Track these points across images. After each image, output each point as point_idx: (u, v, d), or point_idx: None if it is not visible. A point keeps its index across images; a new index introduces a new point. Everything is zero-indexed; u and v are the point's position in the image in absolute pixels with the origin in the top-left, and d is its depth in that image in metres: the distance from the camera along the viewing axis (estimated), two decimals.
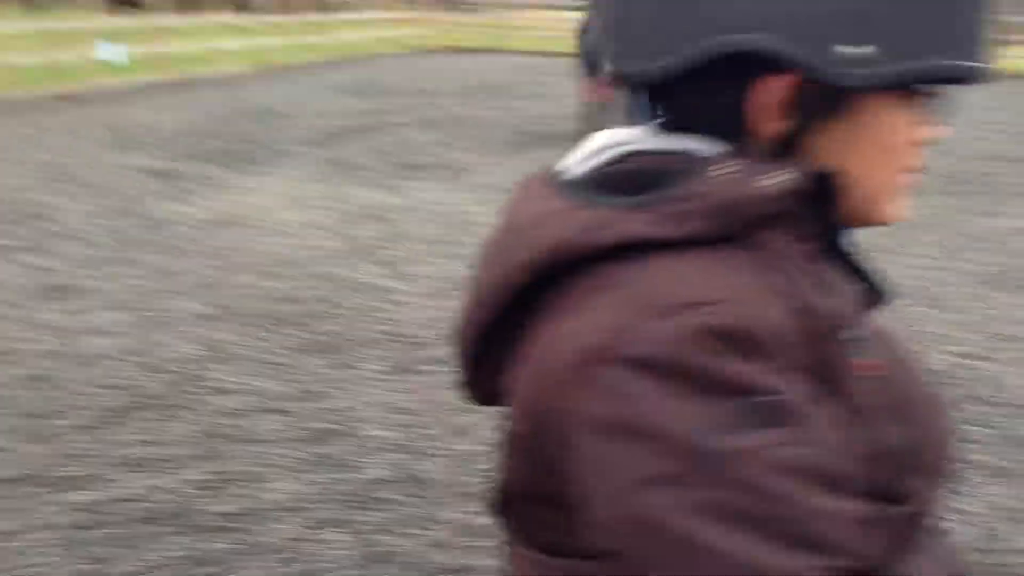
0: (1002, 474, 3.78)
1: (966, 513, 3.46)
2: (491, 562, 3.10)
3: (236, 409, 4.17)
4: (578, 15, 12.42)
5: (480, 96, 15.90)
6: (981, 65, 0.82)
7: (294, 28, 22.91)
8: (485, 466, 3.71)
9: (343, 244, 6.83)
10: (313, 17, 24.80)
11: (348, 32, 24.86)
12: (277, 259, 6.41)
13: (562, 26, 29.84)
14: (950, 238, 7.41)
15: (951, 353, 5.00)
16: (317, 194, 8.35)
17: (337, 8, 25.47)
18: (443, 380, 4.50)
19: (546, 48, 27.23)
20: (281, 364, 4.67)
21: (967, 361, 4.90)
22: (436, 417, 4.13)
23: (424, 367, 4.67)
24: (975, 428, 4.15)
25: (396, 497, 3.50)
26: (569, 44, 13.22)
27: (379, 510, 3.41)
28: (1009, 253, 7.03)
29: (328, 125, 12.08)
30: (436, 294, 5.77)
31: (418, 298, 5.70)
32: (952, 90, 0.86)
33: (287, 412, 4.15)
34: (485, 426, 4.04)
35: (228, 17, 22.20)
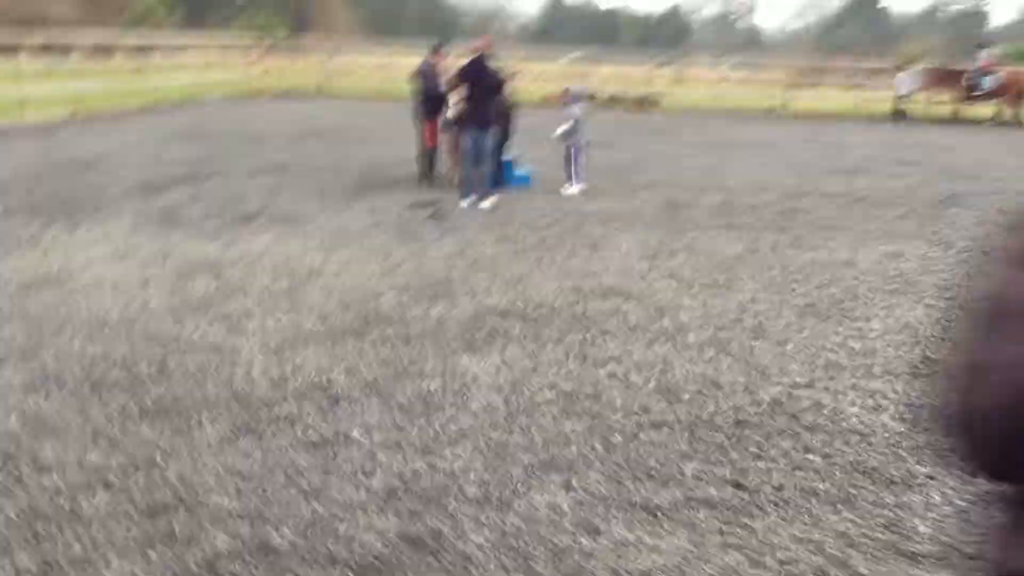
0: (845, 501, 3.94)
1: (812, 542, 3.59)
2: None
3: (60, 486, 3.86)
4: (417, 59, 12.48)
5: (312, 141, 15.67)
6: None
7: (109, 73, 21.94)
8: (342, 528, 3.57)
9: (173, 301, 6.51)
10: (134, 61, 23.83)
11: (172, 77, 24.03)
12: (102, 320, 6.04)
13: (393, 70, 29.92)
14: (772, 272, 7.78)
15: (783, 384, 5.22)
16: (144, 248, 7.95)
17: (154, 52, 24.58)
18: (288, 440, 4.33)
19: (376, 91, 27.21)
20: (109, 434, 4.37)
21: (798, 391, 5.12)
22: (282, 481, 3.95)
23: (267, 428, 4.47)
24: (814, 457, 4.32)
25: (244, 570, 3.31)
26: (401, 87, 13.20)
27: None
28: (825, 283, 7.44)
29: (151, 175, 11.59)
30: (277, 349, 5.57)
31: (258, 355, 5.48)
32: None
33: (117, 486, 3.88)
34: (335, 487, 3.90)
35: (41, 62, 21.06)
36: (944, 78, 23.92)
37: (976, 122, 23.30)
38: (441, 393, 4.99)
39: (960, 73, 23.62)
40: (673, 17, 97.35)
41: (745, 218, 10.10)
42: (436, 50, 12.14)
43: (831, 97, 28.03)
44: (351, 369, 5.31)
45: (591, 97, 24.31)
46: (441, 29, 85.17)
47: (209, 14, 63.74)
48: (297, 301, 6.57)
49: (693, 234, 9.20)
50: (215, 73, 26.48)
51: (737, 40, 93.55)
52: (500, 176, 11.31)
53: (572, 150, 11.56)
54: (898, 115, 23.52)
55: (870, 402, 4.98)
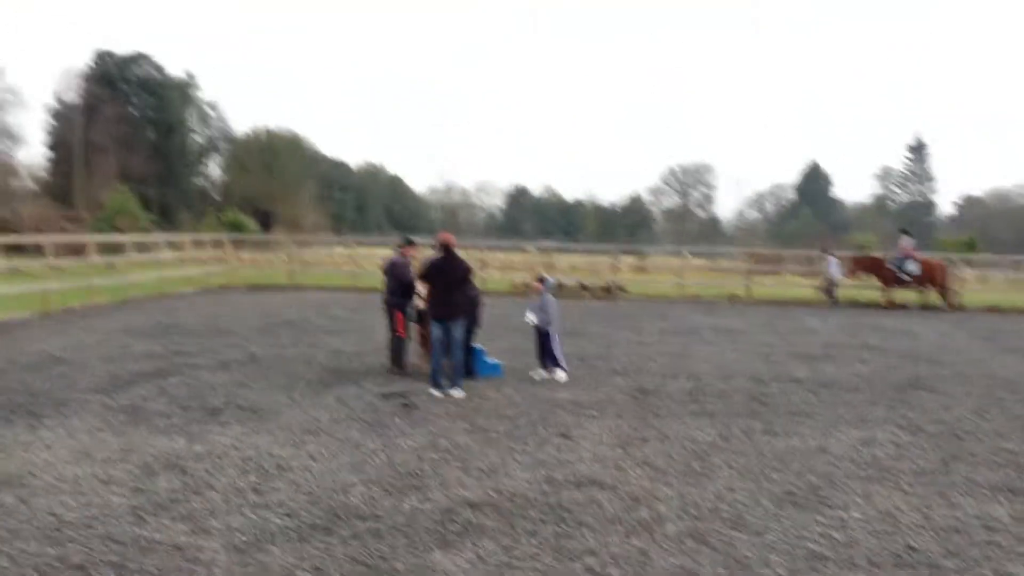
0: None
1: None
2: None
3: None
4: (385, 250, 12.78)
5: (278, 333, 15.69)
6: None
7: (79, 270, 22.09)
8: None
9: (136, 499, 6.30)
10: (105, 259, 24.04)
11: (143, 273, 24.24)
12: (60, 521, 5.81)
13: (361, 262, 30.49)
14: (746, 459, 7.72)
15: None
16: (107, 446, 7.76)
17: (124, 249, 24.86)
18: None
19: (345, 283, 27.58)
20: None
21: None
22: None
23: None
24: None
25: None
26: (369, 279, 13.36)
27: None
28: (801, 470, 7.38)
29: (118, 370, 11.48)
30: (242, 548, 5.36)
31: (221, 555, 5.27)
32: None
33: None
34: None
35: (10, 262, 21.20)
36: (869, 265, 25.04)
37: (903, 307, 24.20)
38: None
39: (883, 260, 24.77)
40: (635, 207, 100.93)
41: (715, 404, 10.12)
42: (405, 244, 12.45)
43: (789, 283, 28.82)
44: (319, 568, 5.10)
45: (560, 286, 25.04)
46: (407, 221, 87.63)
47: (179, 211, 65.35)
48: (264, 496, 6.39)
49: (665, 421, 9.18)
50: (186, 268, 26.80)
51: (696, 228, 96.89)
52: (470, 365, 11.35)
53: (549, 337, 11.70)
54: (829, 299, 24.46)
55: None
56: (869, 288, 25.46)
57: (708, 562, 5.31)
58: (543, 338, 11.75)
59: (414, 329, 12.14)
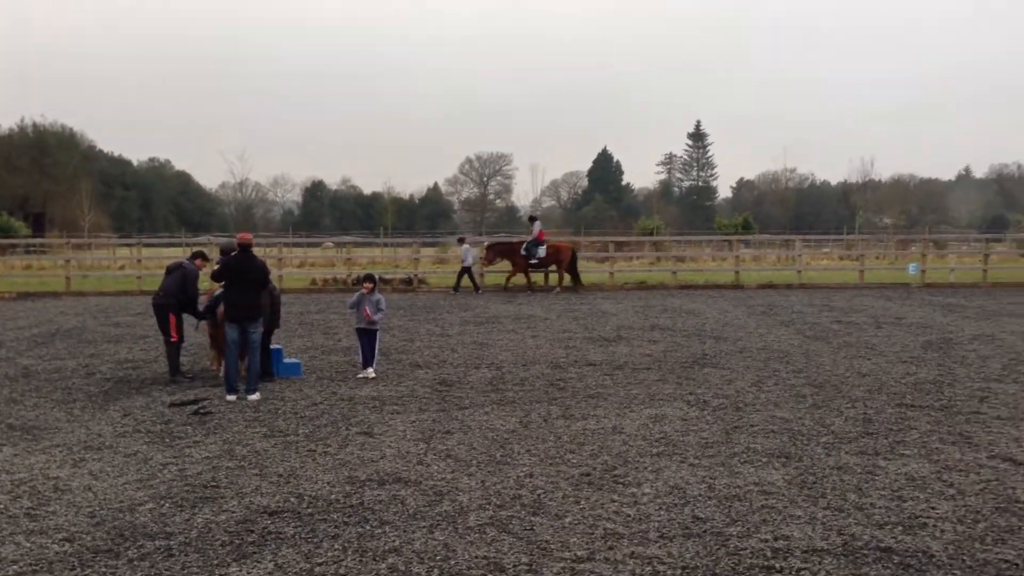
0: None
1: None
2: None
3: None
4: (174, 251, 12.15)
5: (54, 343, 14.65)
6: None
7: None
8: None
9: None
10: None
11: None
12: None
13: (147, 265, 28.97)
14: (545, 445, 7.89)
15: (565, 560, 5.20)
16: None
17: None
18: None
19: (128, 287, 26.13)
20: None
21: (581, 566, 5.10)
22: None
23: None
24: None
25: None
26: (154, 281, 12.67)
27: None
28: (597, 451, 7.62)
29: None
30: None
31: None
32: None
33: None
34: None
35: None
36: (504, 250, 26.15)
37: (541, 289, 25.55)
38: None
39: (519, 244, 25.90)
40: (434, 197, 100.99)
41: (516, 392, 10.29)
42: (198, 258, 11.98)
43: (587, 268, 29.75)
44: None
45: (384, 282, 24.98)
46: (198, 219, 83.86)
47: None
48: (40, 522, 5.92)
49: (467, 412, 9.24)
50: None
51: (494, 217, 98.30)
52: (268, 366, 11.00)
53: (376, 335, 11.51)
54: (460, 286, 25.47)
55: (648, 570, 5.04)
56: (499, 272, 26.59)
57: (510, 550, 5.38)
58: (371, 337, 11.51)
59: (206, 331, 11.66)
